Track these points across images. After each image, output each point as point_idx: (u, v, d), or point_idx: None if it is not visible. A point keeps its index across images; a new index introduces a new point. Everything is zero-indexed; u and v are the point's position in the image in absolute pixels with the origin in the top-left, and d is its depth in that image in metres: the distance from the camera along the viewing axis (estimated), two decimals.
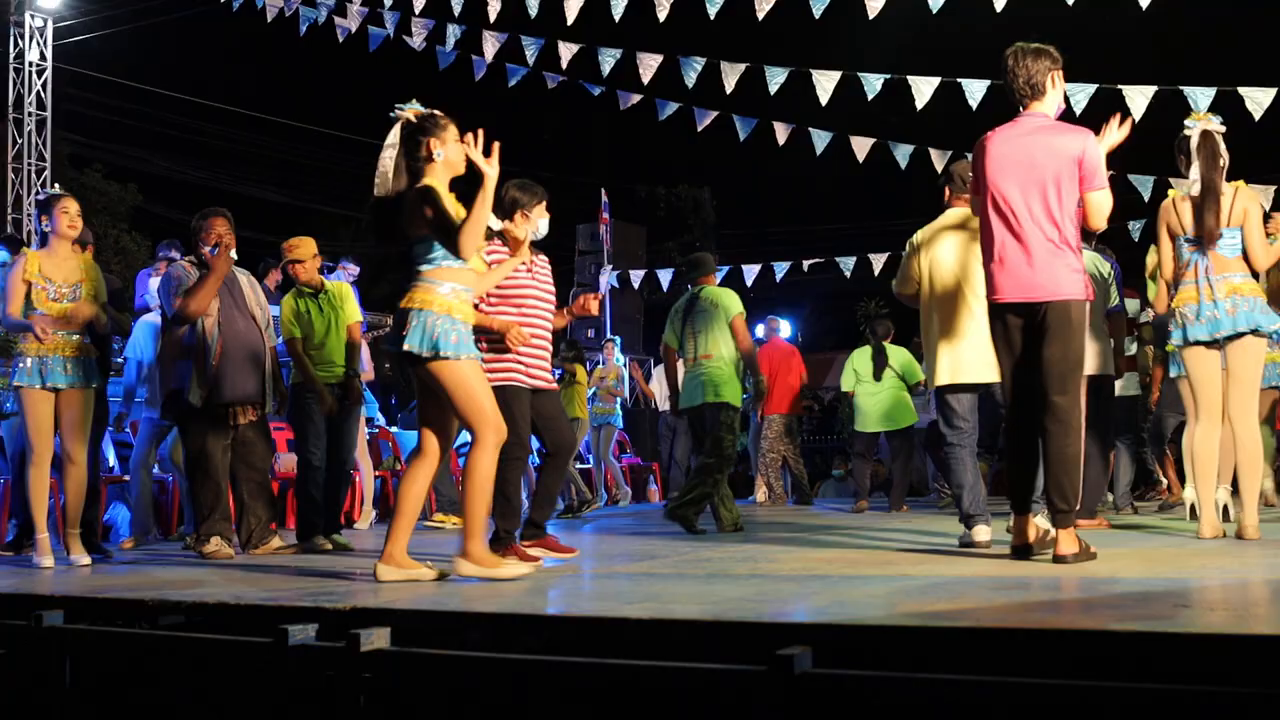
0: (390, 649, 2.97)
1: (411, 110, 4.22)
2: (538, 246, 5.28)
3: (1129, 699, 2.23)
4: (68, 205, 5.62)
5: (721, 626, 2.89)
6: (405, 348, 4.10)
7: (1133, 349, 7.42)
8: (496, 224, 5.03)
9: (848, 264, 14.30)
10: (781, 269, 14.60)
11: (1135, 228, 12.13)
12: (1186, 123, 5.17)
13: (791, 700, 2.42)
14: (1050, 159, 4.23)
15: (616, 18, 9.44)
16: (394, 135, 4.19)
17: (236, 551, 5.80)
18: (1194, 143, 5.05)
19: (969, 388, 5.15)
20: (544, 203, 5.17)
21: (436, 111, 4.27)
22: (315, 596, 3.69)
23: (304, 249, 6.48)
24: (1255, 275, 5.14)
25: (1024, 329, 4.28)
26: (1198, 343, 5.06)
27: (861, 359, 9.32)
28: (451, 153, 4.21)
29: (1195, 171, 5.03)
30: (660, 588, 3.81)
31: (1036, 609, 3.10)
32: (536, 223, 5.14)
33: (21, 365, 5.44)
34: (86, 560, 5.51)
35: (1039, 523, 4.70)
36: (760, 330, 11.78)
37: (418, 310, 4.10)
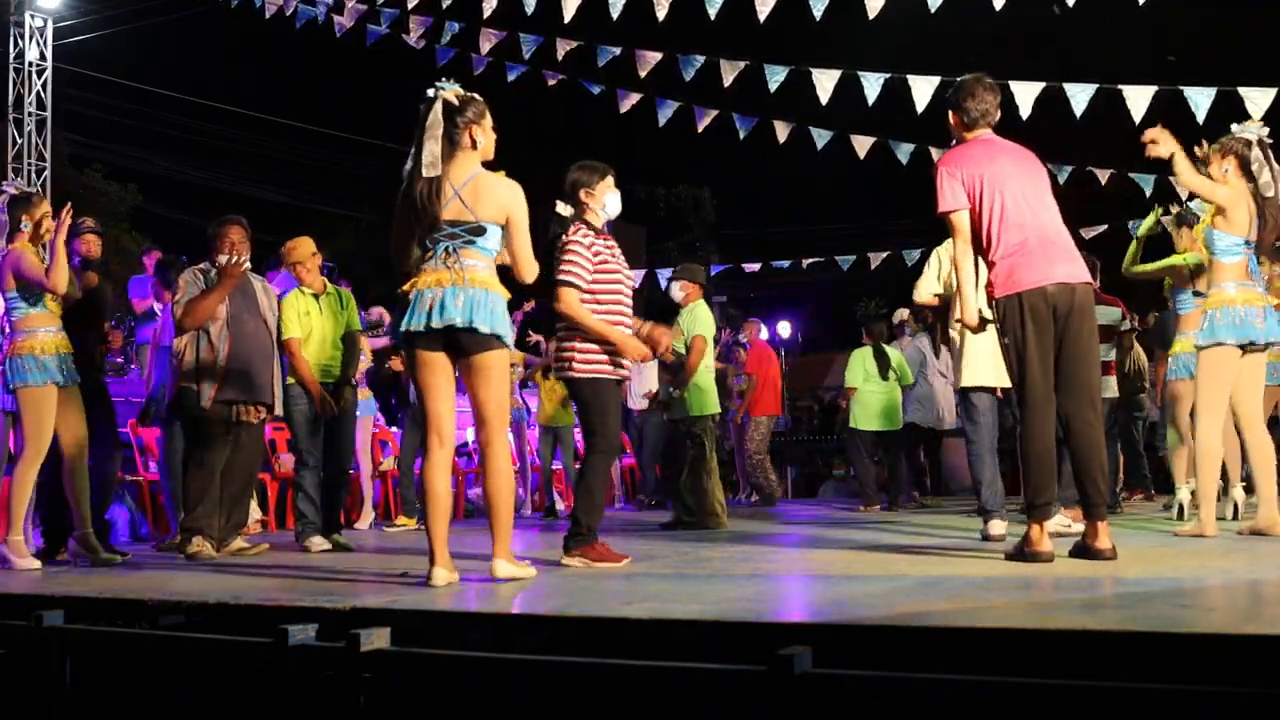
0: (390, 649, 2.97)
1: (453, 91, 4.17)
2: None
3: (1129, 699, 2.23)
4: (49, 208, 5.63)
5: (721, 626, 2.89)
6: (476, 325, 3.98)
7: (1110, 355, 7.52)
8: (568, 211, 4.92)
9: (848, 263, 14.31)
10: (781, 268, 14.61)
11: (1135, 225, 12.12)
12: (1237, 128, 5.18)
13: (791, 700, 2.42)
14: (1039, 167, 4.48)
15: (615, 16, 9.43)
16: (436, 114, 4.10)
17: (217, 550, 5.79)
18: (1256, 149, 5.06)
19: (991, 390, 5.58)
20: (608, 178, 4.99)
21: (476, 96, 4.23)
22: (315, 596, 3.69)
23: (301, 250, 6.48)
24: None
25: (1048, 317, 4.24)
26: (1257, 345, 5.10)
27: (868, 357, 9.35)
28: (487, 140, 4.20)
29: (1268, 176, 5.05)
30: (660, 588, 3.81)
31: (1036, 609, 3.10)
32: (603, 200, 4.96)
33: (31, 364, 5.37)
34: (117, 558, 5.55)
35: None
36: (751, 333, 11.67)
37: (484, 290, 4.04)
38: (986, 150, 4.43)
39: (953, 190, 4.38)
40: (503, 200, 4.11)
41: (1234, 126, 5.22)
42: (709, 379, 7.35)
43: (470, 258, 4.06)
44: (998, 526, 5.36)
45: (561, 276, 4.79)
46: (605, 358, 4.85)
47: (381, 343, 8.83)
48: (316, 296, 6.44)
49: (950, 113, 4.57)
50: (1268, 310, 5.12)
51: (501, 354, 4.10)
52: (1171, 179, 5.40)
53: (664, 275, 15.49)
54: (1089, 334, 4.30)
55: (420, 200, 4.06)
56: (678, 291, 7.57)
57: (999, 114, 4.54)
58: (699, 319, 7.34)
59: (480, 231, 4.07)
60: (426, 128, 4.08)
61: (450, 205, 4.07)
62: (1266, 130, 5.18)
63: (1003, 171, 4.36)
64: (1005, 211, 4.31)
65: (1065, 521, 5.31)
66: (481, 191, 4.09)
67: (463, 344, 4.04)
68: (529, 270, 4.24)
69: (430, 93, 4.15)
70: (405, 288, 4.11)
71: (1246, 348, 5.12)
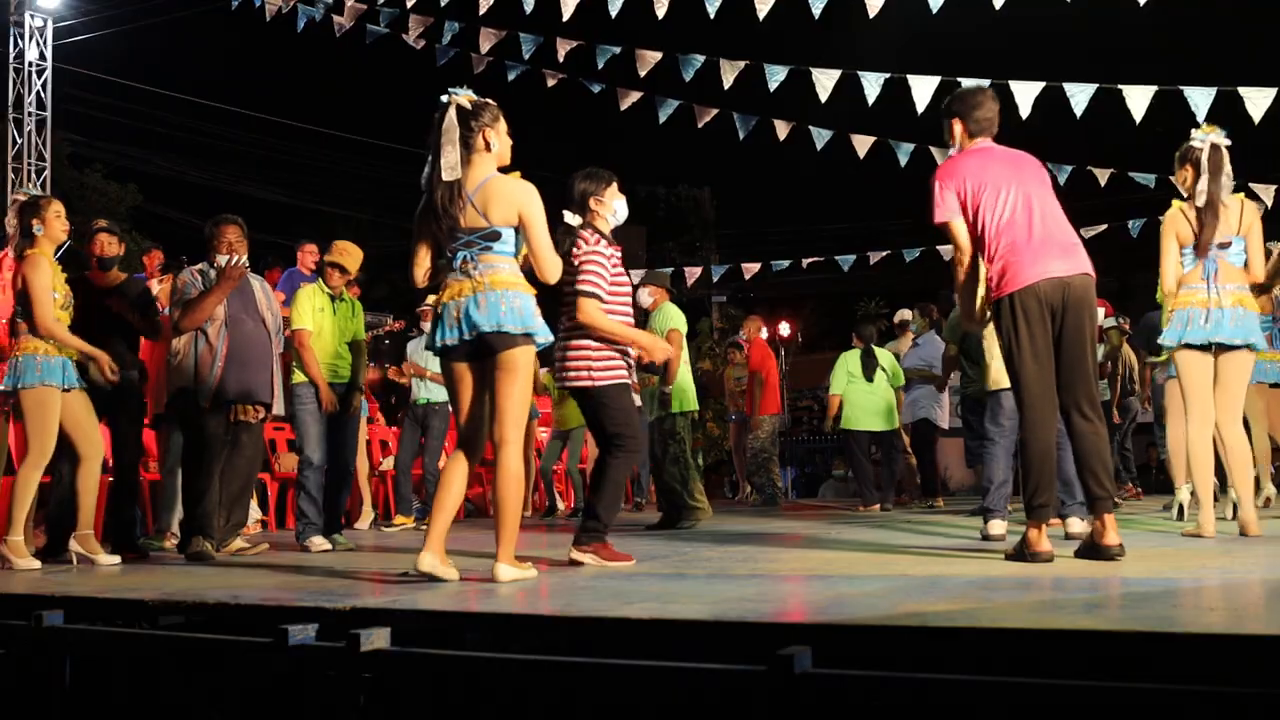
0: (390, 649, 2.97)
1: (466, 96, 4.17)
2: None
3: (1129, 699, 2.23)
4: (60, 208, 5.61)
5: (721, 626, 2.89)
6: (505, 328, 3.99)
7: (1099, 355, 7.55)
8: (576, 220, 4.91)
9: (848, 262, 14.30)
10: (781, 268, 14.60)
11: (1135, 225, 12.14)
12: (1196, 134, 5.23)
13: (791, 700, 2.42)
14: (1034, 169, 4.49)
15: (613, 14, 9.42)
16: (450, 120, 4.10)
17: (217, 550, 5.80)
18: (1205, 156, 5.14)
19: None
20: (614, 185, 5.00)
21: (490, 100, 4.23)
22: (315, 596, 3.68)
23: (352, 260, 6.59)
24: (1254, 288, 5.26)
25: (1041, 313, 4.26)
26: (1193, 345, 5.17)
27: (853, 360, 9.39)
28: (502, 144, 4.21)
29: (1204, 183, 5.13)
30: (660, 588, 3.81)
31: (1036, 609, 3.10)
32: (613, 206, 4.98)
33: (31, 365, 5.35)
34: (114, 560, 5.56)
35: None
36: (751, 331, 11.63)
37: (506, 290, 4.03)
38: (980, 160, 4.46)
39: (945, 201, 4.43)
40: (515, 201, 4.10)
41: (1193, 133, 5.29)
42: (687, 376, 7.51)
43: (490, 262, 4.07)
44: (997, 526, 5.40)
45: (583, 287, 4.77)
46: (622, 363, 4.87)
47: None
48: (333, 298, 6.49)
49: (953, 121, 4.58)
50: (1213, 312, 5.13)
51: (528, 351, 4.10)
52: (1171, 179, 5.40)
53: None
54: (1085, 327, 4.30)
55: (441, 205, 4.08)
56: (646, 297, 7.66)
57: (993, 123, 4.56)
58: (671, 316, 7.48)
59: (495, 236, 4.08)
60: (442, 134, 4.10)
61: (466, 214, 4.09)
62: (1223, 135, 5.22)
63: (996, 178, 4.39)
64: (998, 218, 4.35)
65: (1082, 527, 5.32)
66: (493, 195, 4.10)
67: (492, 345, 4.05)
68: (550, 268, 4.20)
69: (444, 99, 4.16)
70: (431, 301, 4.13)
71: (1208, 349, 5.17)
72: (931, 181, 4.50)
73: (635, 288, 7.90)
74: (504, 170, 4.23)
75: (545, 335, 4.18)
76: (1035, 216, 4.34)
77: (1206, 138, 5.20)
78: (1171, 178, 5.43)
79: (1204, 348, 5.18)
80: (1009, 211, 4.33)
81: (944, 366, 8.64)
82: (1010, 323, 4.28)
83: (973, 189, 4.39)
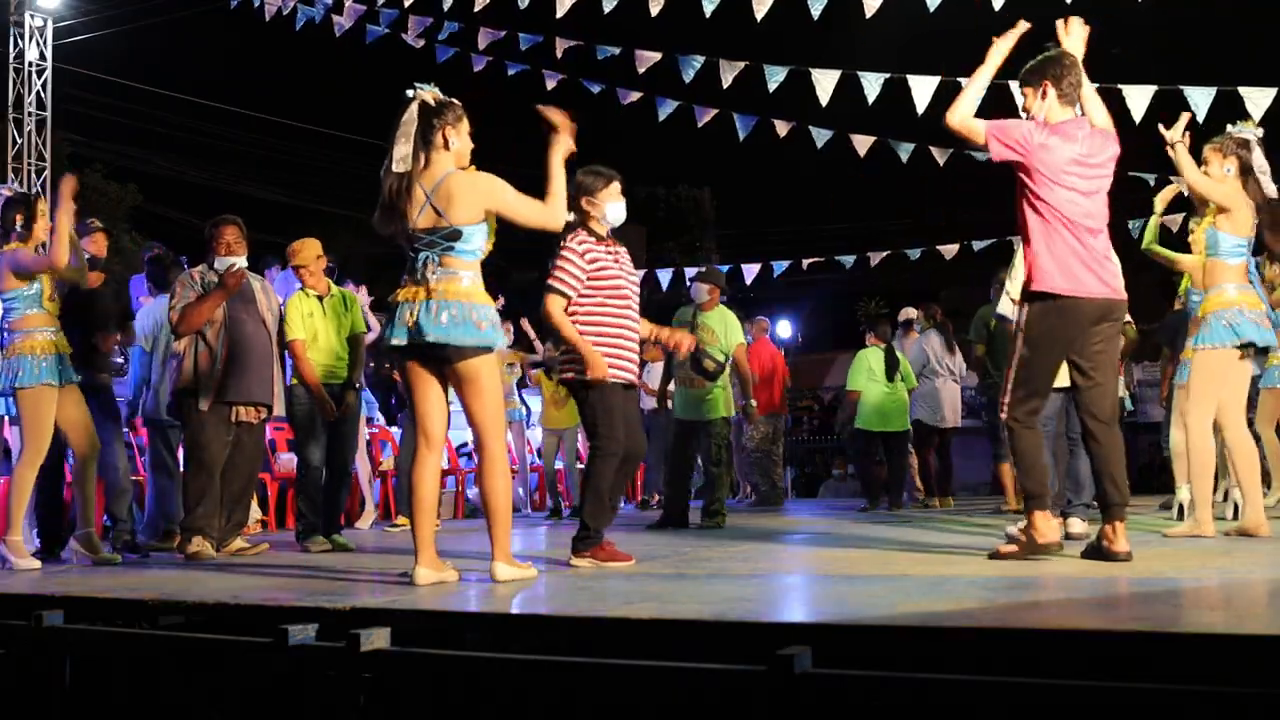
0: (390, 649, 2.97)
1: (430, 93, 4.15)
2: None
3: (1129, 699, 2.23)
4: (45, 206, 5.61)
5: (722, 626, 2.89)
6: (452, 341, 3.98)
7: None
8: (570, 216, 4.81)
9: (848, 263, 14.30)
10: (781, 269, 14.60)
11: (1135, 226, 12.13)
12: (1238, 128, 5.12)
13: (791, 700, 2.42)
14: (1109, 170, 4.31)
15: (607, 9, 9.41)
16: (410, 114, 4.09)
17: (217, 550, 5.80)
18: (1258, 151, 5.04)
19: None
20: (613, 185, 4.95)
21: (455, 100, 4.22)
22: (315, 596, 3.69)
23: (306, 253, 6.47)
24: None
25: (1077, 325, 4.21)
26: (1251, 347, 5.07)
27: (876, 358, 9.23)
28: (462, 144, 4.19)
29: (1269, 176, 5.02)
30: (660, 588, 3.81)
31: (1037, 609, 3.11)
32: (604, 208, 4.91)
33: (27, 364, 5.34)
34: (114, 559, 5.57)
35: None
36: (754, 331, 11.59)
37: (461, 302, 4.00)
38: (1079, 139, 4.24)
39: (1009, 144, 4.19)
40: (480, 196, 4.08)
41: (1230, 128, 5.18)
42: (726, 381, 7.48)
43: (451, 265, 4.04)
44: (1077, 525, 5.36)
45: (549, 282, 4.77)
46: (616, 361, 4.83)
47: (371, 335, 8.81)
48: (320, 298, 6.43)
49: (1043, 84, 4.29)
50: (1266, 314, 5.10)
51: (486, 360, 4.08)
52: (1173, 178, 5.37)
53: (664, 275, 15.46)
54: (1114, 342, 4.31)
55: (389, 196, 4.07)
56: (704, 294, 7.59)
57: (1079, 87, 4.35)
58: (732, 326, 7.47)
59: (456, 235, 4.04)
60: (400, 126, 4.09)
61: (425, 213, 4.05)
62: (1262, 131, 5.14)
63: (1088, 167, 4.22)
64: (1075, 206, 4.19)
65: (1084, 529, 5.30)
66: (454, 193, 4.06)
67: (447, 355, 4.05)
68: (546, 218, 4.20)
69: (409, 93, 4.15)
70: (390, 299, 4.14)
71: (1244, 350, 5.10)
72: (1025, 121, 4.26)
73: (694, 281, 7.91)
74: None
75: (497, 343, 4.12)
76: (1103, 219, 4.25)
77: (1252, 131, 5.09)
78: (1173, 177, 5.39)
79: (1242, 349, 5.08)
80: (1084, 208, 4.20)
81: (973, 366, 8.59)
82: (1049, 323, 4.20)
83: (1054, 168, 4.16)
